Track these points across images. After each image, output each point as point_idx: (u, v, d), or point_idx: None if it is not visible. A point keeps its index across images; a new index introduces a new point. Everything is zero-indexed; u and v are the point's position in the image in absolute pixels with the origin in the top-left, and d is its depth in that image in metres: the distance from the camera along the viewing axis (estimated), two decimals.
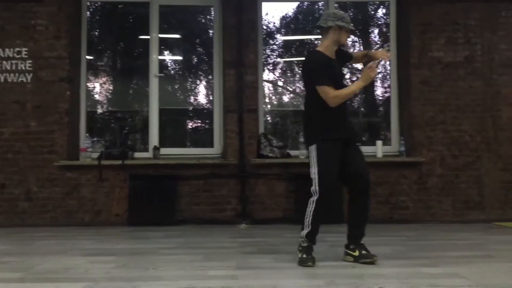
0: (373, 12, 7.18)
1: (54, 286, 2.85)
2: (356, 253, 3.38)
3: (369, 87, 7.23)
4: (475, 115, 5.61)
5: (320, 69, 3.33)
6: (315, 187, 3.30)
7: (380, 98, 7.13)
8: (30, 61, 5.49)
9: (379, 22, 7.12)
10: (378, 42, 7.22)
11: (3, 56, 5.49)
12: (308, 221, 3.26)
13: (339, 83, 3.41)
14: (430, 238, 4.48)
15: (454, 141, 5.59)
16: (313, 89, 3.37)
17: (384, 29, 6.76)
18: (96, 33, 6.90)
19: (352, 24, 3.44)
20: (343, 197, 5.37)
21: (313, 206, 3.27)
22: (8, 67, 5.48)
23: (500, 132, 5.59)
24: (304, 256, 3.29)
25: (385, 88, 6.86)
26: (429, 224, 5.39)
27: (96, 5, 6.59)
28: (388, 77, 6.22)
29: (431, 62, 5.65)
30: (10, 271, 3.23)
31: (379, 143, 5.69)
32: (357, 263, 3.33)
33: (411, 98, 5.63)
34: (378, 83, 7.20)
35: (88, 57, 6.08)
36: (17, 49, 5.51)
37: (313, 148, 3.36)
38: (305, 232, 3.30)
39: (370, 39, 7.37)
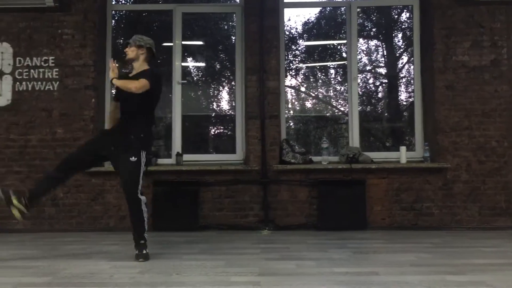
0: (396, 16, 7.12)
1: None
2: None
3: (393, 92, 7.18)
4: (501, 119, 5.50)
5: None
6: None
7: (404, 103, 7.05)
8: (56, 70, 5.61)
9: (403, 26, 7.06)
10: (402, 46, 7.15)
11: (31, 64, 5.62)
12: None
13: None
14: (456, 245, 4.39)
15: (480, 146, 5.48)
16: None
17: (408, 33, 6.69)
18: (121, 41, 7.02)
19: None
20: (366, 203, 5.40)
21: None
22: (36, 76, 5.61)
23: None
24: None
25: (409, 92, 6.77)
26: (455, 231, 5.29)
27: (121, 13, 6.72)
28: (412, 81, 6.14)
29: (456, 66, 5.56)
30: (37, 276, 3.30)
31: (403, 148, 5.62)
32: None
33: (436, 102, 5.55)
34: (402, 88, 7.14)
35: None
36: (44, 57, 5.63)
37: None
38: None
39: (394, 43, 7.31)
